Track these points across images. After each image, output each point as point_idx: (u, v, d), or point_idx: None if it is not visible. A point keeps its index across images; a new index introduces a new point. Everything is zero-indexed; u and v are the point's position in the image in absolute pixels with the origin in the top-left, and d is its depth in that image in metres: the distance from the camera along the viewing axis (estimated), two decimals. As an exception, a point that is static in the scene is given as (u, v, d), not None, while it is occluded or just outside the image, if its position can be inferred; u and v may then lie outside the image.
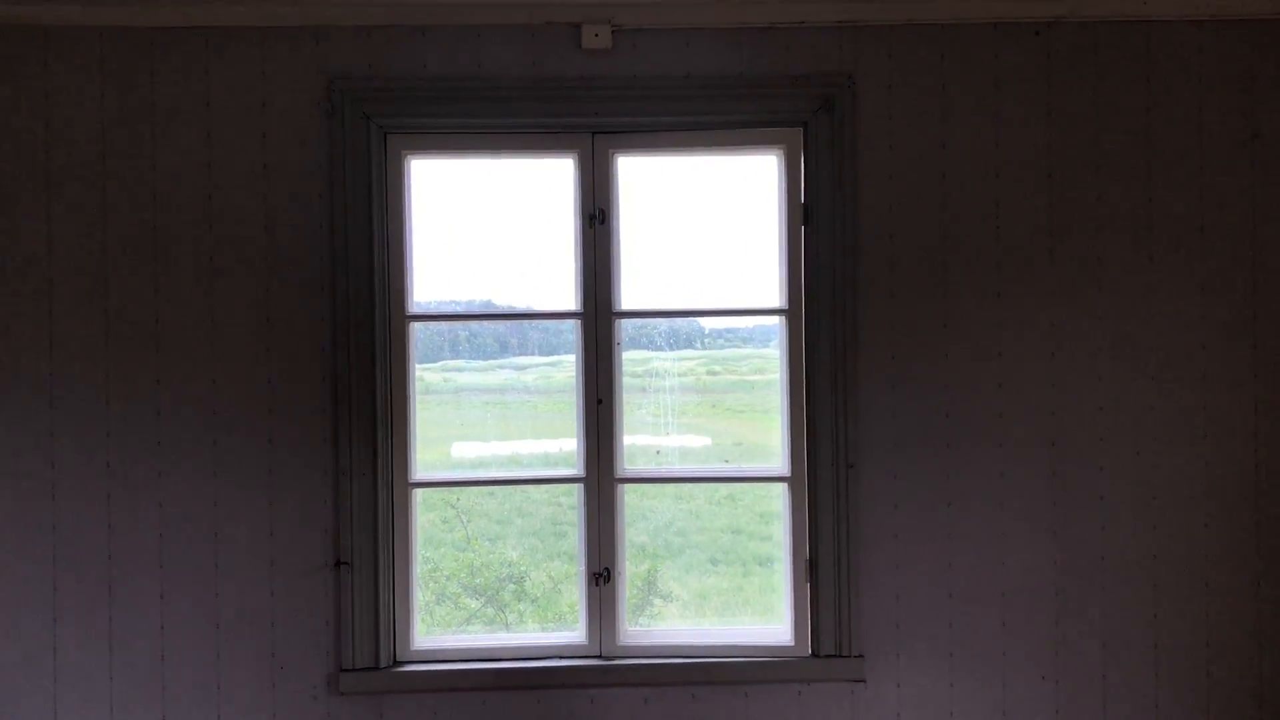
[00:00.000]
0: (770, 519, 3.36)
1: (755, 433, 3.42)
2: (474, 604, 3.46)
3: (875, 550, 3.14)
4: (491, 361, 3.41)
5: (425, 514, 3.36)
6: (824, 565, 3.12)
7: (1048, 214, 3.13)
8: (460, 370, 3.38)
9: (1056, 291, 3.13)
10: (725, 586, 3.40)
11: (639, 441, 3.28)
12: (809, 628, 3.15)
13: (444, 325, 3.34)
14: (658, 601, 3.43)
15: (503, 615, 3.44)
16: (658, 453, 3.32)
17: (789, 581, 3.18)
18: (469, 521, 3.44)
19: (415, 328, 3.19)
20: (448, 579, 3.44)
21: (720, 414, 3.44)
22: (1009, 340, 3.13)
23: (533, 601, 3.46)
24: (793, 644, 3.16)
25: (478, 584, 3.46)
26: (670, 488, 3.38)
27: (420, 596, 3.25)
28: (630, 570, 3.28)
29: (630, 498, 3.25)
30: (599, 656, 3.16)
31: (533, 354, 3.42)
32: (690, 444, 3.37)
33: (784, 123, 3.13)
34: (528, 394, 3.39)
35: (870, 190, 3.12)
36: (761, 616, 3.35)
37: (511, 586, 3.46)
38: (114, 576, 3.06)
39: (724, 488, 3.43)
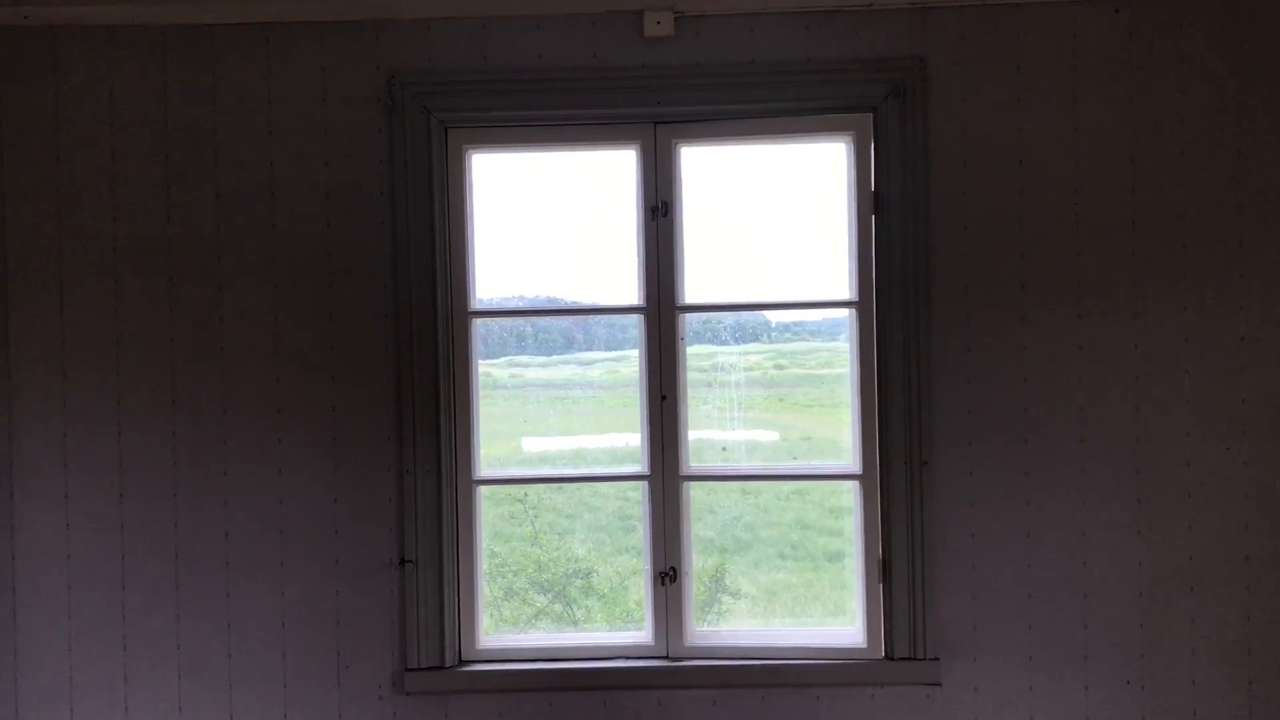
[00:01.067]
0: (840, 514, 3.28)
1: (824, 427, 3.33)
2: (542, 600, 3.43)
3: (950, 549, 3.03)
4: (557, 356, 3.36)
5: (494, 508, 3.33)
6: (897, 565, 3.03)
7: (1131, 200, 3.00)
8: (525, 366, 3.33)
9: (1140, 281, 3.00)
10: (795, 582, 3.33)
11: (706, 436, 3.21)
12: (882, 629, 3.06)
13: (508, 321, 3.30)
14: (726, 599, 3.37)
15: (570, 611, 3.41)
16: (723, 449, 3.25)
17: (860, 581, 3.09)
18: (536, 516, 3.41)
19: (478, 324, 3.15)
20: (515, 574, 3.41)
21: (787, 408, 3.36)
22: (1090, 332, 3.01)
23: (600, 597, 3.42)
24: (865, 646, 3.07)
25: (545, 580, 3.43)
26: (737, 483, 3.30)
27: (487, 591, 3.23)
28: (698, 566, 3.22)
29: (697, 493, 3.19)
30: (665, 657, 3.10)
31: (598, 349, 3.36)
32: (759, 438, 3.30)
33: (853, 108, 3.03)
34: (594, 389, 3.33)
35: (943, 177, 3.02)
36: (832, 614, 3.27)
37: (579, 582, 3.43)
38: (181, 574, 3.07)
39: (792, 482, 3.33)
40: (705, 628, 3.20)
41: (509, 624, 3.36)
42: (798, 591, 3.33)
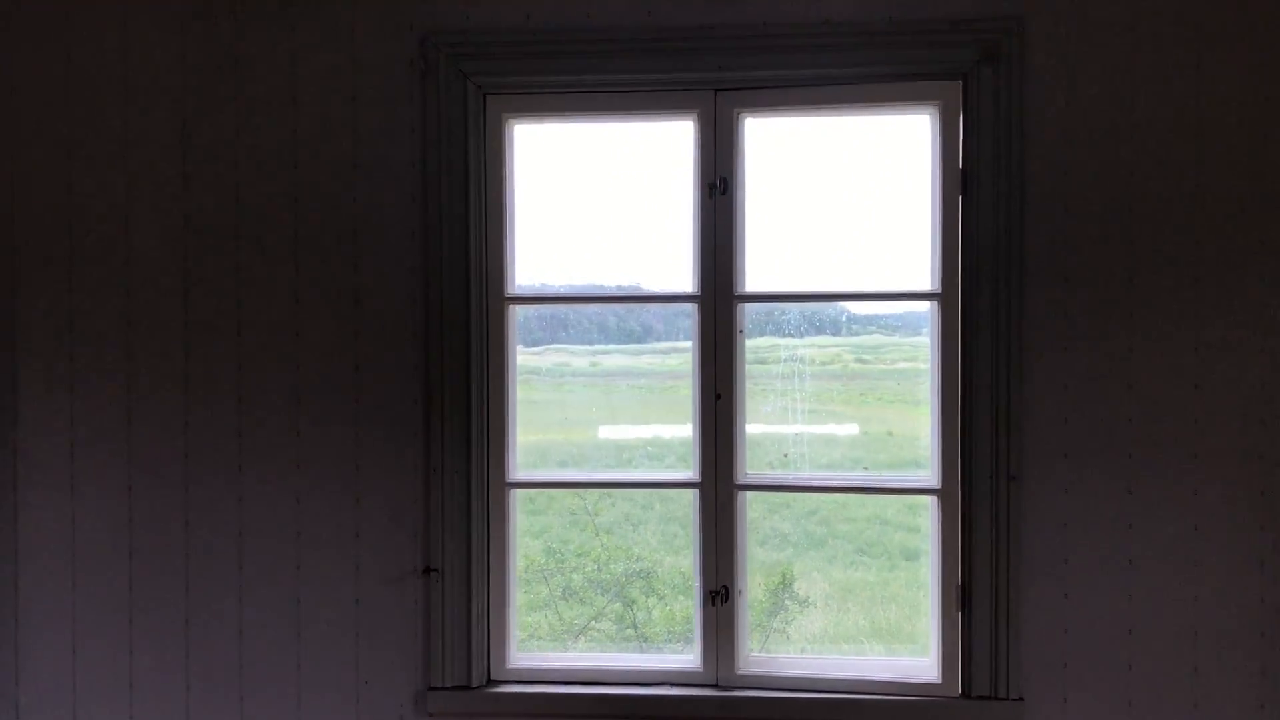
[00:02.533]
0: (918, 510, 2.96)
1: (902, 425, 3.02)
2: (601, 600, 3.23)
3: (1040, 576, 2.68)
4: (614, 346, 3.11)
5: (551, 504, 3.12)
6: (979, 592, 2.68)
7: (1261, 181, 2.61)
8: (605, 354, 3.11)
9: (1269, 274, 2.62)
10: (871, 581, 3.10)
11: (771, 431, 2.91)
12: (959, 663, 2.71)
13: (556, 309, 3.02)
14: (793, 606, 3.11)
15: (629, 612, 3.19)
16: (785, 455, 2.93)
17: (936, 608, 2.75)
18: (596, 514, 3.19)
19: (516, 311, 2.87)
20: (573, 571, 3.22)
21: (860, 405, 3.04)
22: (1209, 333, 2.63)
23: (660, 598, 3.20)
24: (939, 681, 2.73)
25: (604, 579, 3.22)
26: (809, 458, 2.96)
27: (544, 590, 3.01)
28: (763, 572, 2.94)
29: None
30: (715, 686, 2.79)
31: (656, 339, 3.08)
32: (834, 432, 3.00)
33: (939, 75, 2.68)
34: (660, 378, 3.10)
35: (1040, 154, 2.66)
36: (907, 616, 2.98)
37: (640, 582, 3.21)
38: (191, 575, 2.84)
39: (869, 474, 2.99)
40: (760, 653, 2.89)
41: (564, 627, 3.15)
42: (874, 590, 3.10)
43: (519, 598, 2.92)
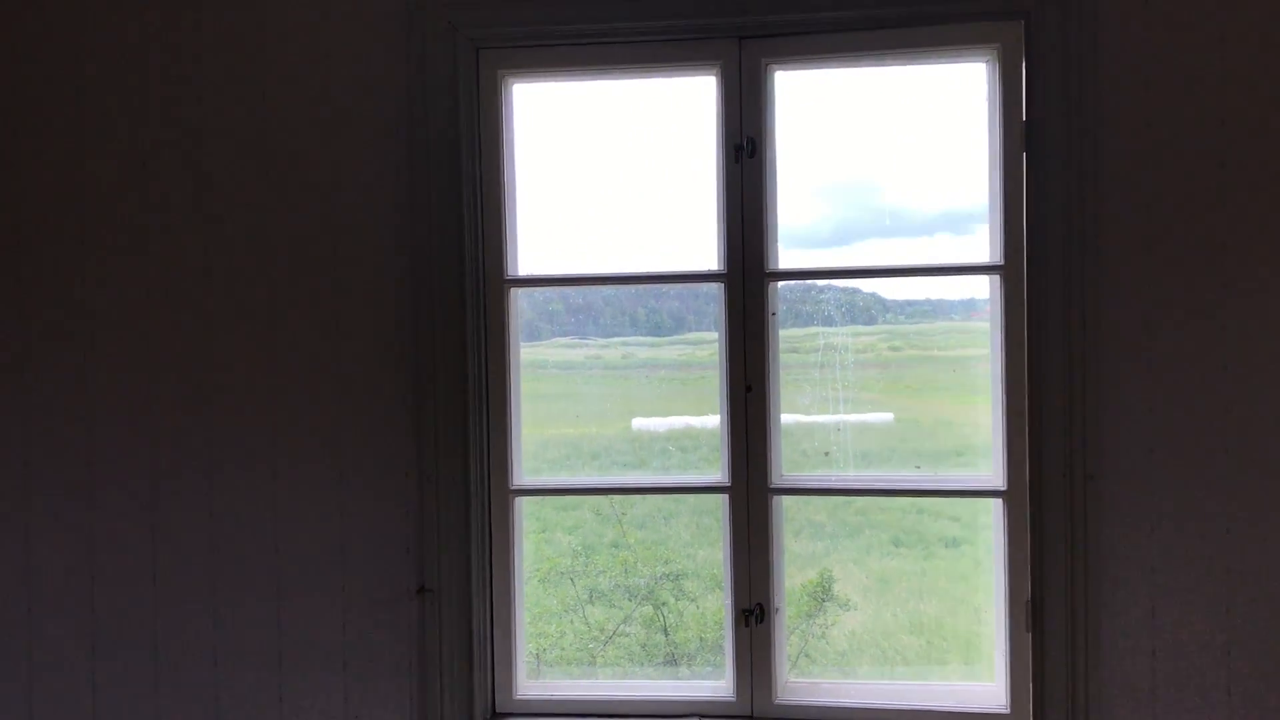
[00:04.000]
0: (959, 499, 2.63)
1: (956, 415, 2.73)
2: (629, 604, 3.03)
3: (1122, 590, 2.32)
4: (645, 338, 2.82)
5: (580, 503, 2.88)
6: (1052, 609, 2.33)
7: (1379, 128, 2.24)
8: (635, 346, 2.83)
9: (1389, 237, 2.25)
10: (909, 570, 2.88)
11: (809, 421, 2.61)
12: (1030, 689, 2.36)
13: (584, 297, 2.72)
14: (834, 611, 2.86)
15: (660, 616, 2.99)
16: (826, 454, 2.59)
17: (1003, 626, 2.40)
18: (624, 514, 2.96)
19: (517, 295, 2.54)
20: (600, 574, 3.01)
21: (908, 395, 2.76)
22: (1320, 306, 2.26)
23: (692, 600, 2.98)
24: (1008, 710, 2.38)
25: (631, 584, 3.01)
26: (848, 454, 2.63)
27: (573, 592, 2.86)
28: (797, 564, 2.66)
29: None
30: (750, 718, 2.45)
31: (688, 330, 2.76)
32: (874, 421, 2.69)
33: (997, 14, 2.32)
34: (693, 369, 2.82)
35: (1118, 103, 2.30)
36: (950, 610, 2.70)
37: (669, 585, 3.00)
38: (160, 596, 2.52)
39: (908, 460, 2.67)
40: (800, 679, 2.55)
41: (590, 634, 2.91)
42: (911, 581, 2.87)
43: (542, 602, 2.61)
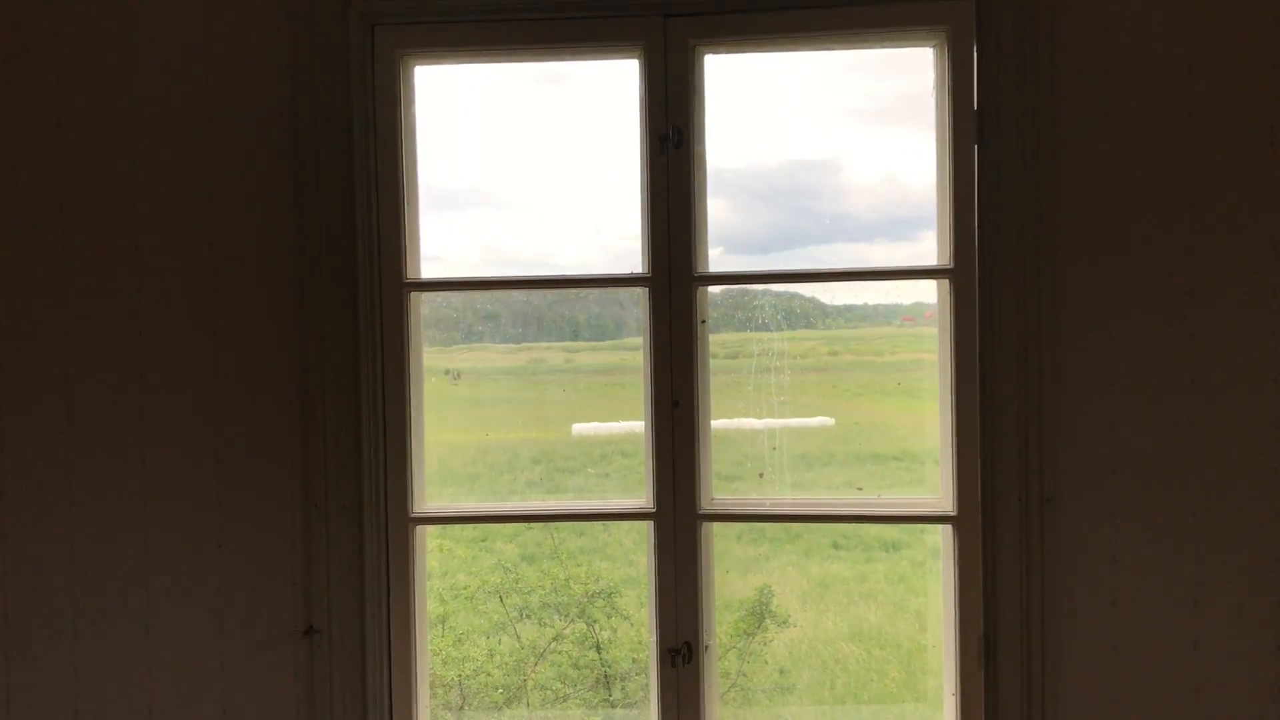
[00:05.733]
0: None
1: (896, 421, 2.74)
2: (560, 623, 3.06)
3: (1082, 624, 2.13)
4: (585, 343, 2.72)
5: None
6: (1006, 643, 2.12)
7: (1357, 121, 2.07)
8: (578, 351, 2.75)
9: (1366, 239, 2.07)
10: (848, 575, 2.94)
11: (751, 426, 2.45)
12: (982, 732, 2.16)
13: (525, 305, 2.50)
14: (772, 627, 2.89)
15: (593, 633, 3.01)
16: (760, 475, 2.37)
17: (953, 663, 2.19)
18: (557, 529, 3.04)
19: (420, 300, 2.29)
20: (530, 592, 3.06)
21: (842, 396, 2.72)
22: (1293, 314, 2.08)
23: (625, 618, 3.02)
24: (958, 755, 2.17)
25: (560, 602, 3.06)
26: (785, 453, 2.42)
27: (500, 610, 2.91)
28: (738, 570, 2.70)
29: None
30: (676, 768, 2.22)
31: (630, 335, 2.57)
32: (811, 424, 2.65)
33: (947, -7, 2.12)
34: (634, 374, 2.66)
35: (1076, 92, 2.10)
36: (890, 619, 2.76)
37: (601, 602, 3.04)
38: (10, 641, 2.23)
39: (848, 464, 2.65)
40: (733, 723, 2.33)
41: (524, 653, 2.95)
42: (850, 586, 2.92)
43: (471, 622, 2.42)
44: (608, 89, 2.29)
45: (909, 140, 2.25)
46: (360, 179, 2.17)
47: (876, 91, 2.35)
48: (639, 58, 2.19)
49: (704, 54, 2.20)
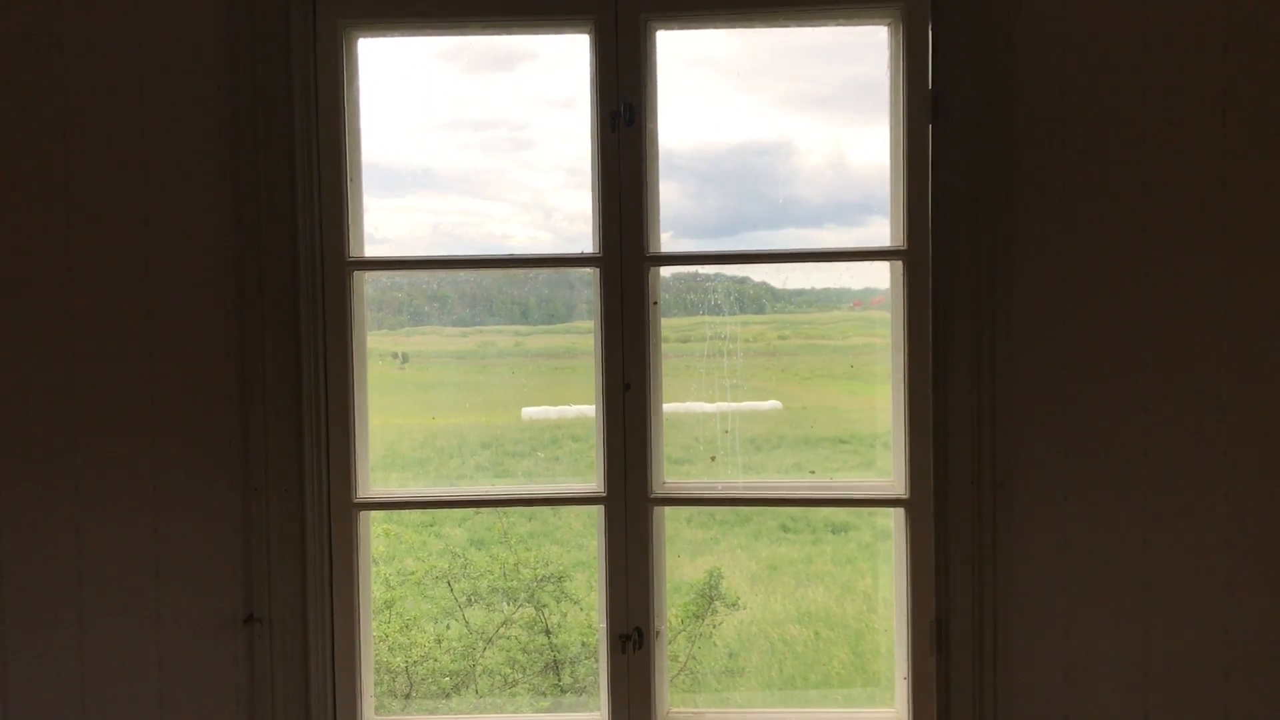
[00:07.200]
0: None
1: (844, 404, 2.73)
2: (509, 608, 3.00)
3: (1034, 609, 2.12)
4: (539, 326, 2.67)
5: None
6: (958, 628, 2.11)
7: (1310, 103, 2.07)
8: (528, 335, 2.69)
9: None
10: (795, 557, 2.89)
11: (701, 410, 2.42)
12: (934, 716, 2.14)
13: (475, 285, 2.44)
14: (721, 610, 2.86)
15: (542, 617, 2.96)
16: (713, 459, 2.34)
17: (904, 648, 2.18)
18: (506, 514, 2.95)
19: (365, 280, 2.23)
20: (479, 577, 2.99)
21: (791, 380, 2.67)
22: (1247, 296, 2.07)
23: (575, 603, 2.96)
24: (910, 740, 2.16)
25: (510, 586, 2.98)
26: (737, 436, 2.40)
27: (453, 593, 2.87)
28: (689, 553, 2.70)
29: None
30: (626, 756, 2.19)
31: (580, 319, 2.53)
32: (761, 408, 2.62)
33: (902, -30, 2.09)
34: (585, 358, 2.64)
35: (1032, 71, 2.08)
36: (837, 597, 2.78)
37: (551, 587, 2.98)
38: (-63, 634, 2.15)
39: (797, 447, 2.63)
40: (683, 709, 2.29)
41: (478, 637, 2.92)
42: (798, 568, 2.88)
43: (418, 607, 2.39)
44: (559, 67, 2.24)
45: (859, 126, 2.23)
46: (301, 154, 2.10)
47: (825, 76, 2.31)
48: (590, 32, 2.14)
49: (656, 29, 2.15)
